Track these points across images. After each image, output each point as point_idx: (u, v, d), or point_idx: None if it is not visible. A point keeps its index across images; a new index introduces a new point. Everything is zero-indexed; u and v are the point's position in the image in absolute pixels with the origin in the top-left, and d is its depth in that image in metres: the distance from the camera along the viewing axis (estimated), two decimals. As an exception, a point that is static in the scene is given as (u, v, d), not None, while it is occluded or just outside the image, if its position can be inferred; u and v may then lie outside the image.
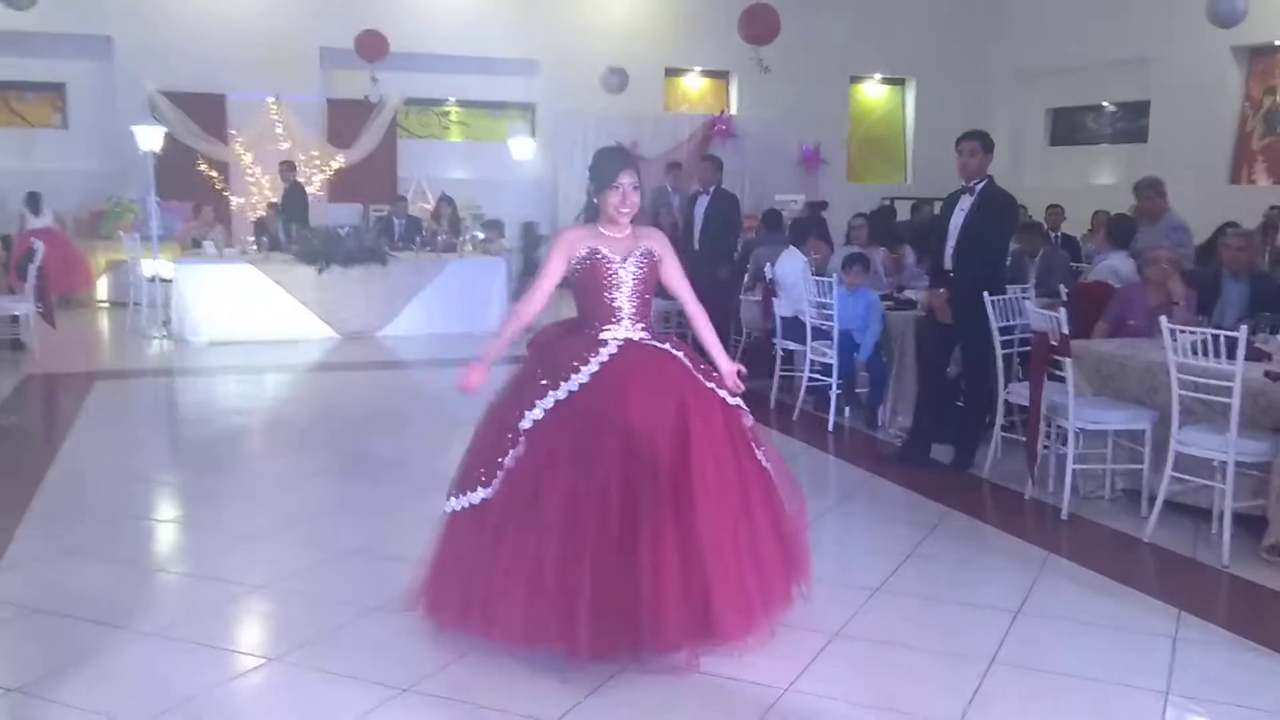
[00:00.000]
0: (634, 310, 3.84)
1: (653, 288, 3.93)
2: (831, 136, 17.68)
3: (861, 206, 13.76)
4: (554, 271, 3.87)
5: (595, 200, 3.91)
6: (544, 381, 3.67)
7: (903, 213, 16.40)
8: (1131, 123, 16.77)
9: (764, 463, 3.84)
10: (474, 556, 3.59)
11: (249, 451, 7.10)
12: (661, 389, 3.64)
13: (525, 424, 3.60)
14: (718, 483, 3.57)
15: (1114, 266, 7.29)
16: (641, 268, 3.85)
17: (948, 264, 6.24)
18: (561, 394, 3.62)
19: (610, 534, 3.42)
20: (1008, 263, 7.21)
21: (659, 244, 3.96)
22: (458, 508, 3.69)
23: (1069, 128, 17.95)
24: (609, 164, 3.87)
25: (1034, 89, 17.86)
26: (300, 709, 3.40)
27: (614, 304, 3.83)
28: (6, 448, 6.88)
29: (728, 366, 3.94)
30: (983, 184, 6.12)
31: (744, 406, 3.88)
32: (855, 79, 18.48)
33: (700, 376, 3.78)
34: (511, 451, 3.60)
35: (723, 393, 3.80)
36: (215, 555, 4.80)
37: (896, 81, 18.88)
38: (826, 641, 3.86)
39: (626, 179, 3.81)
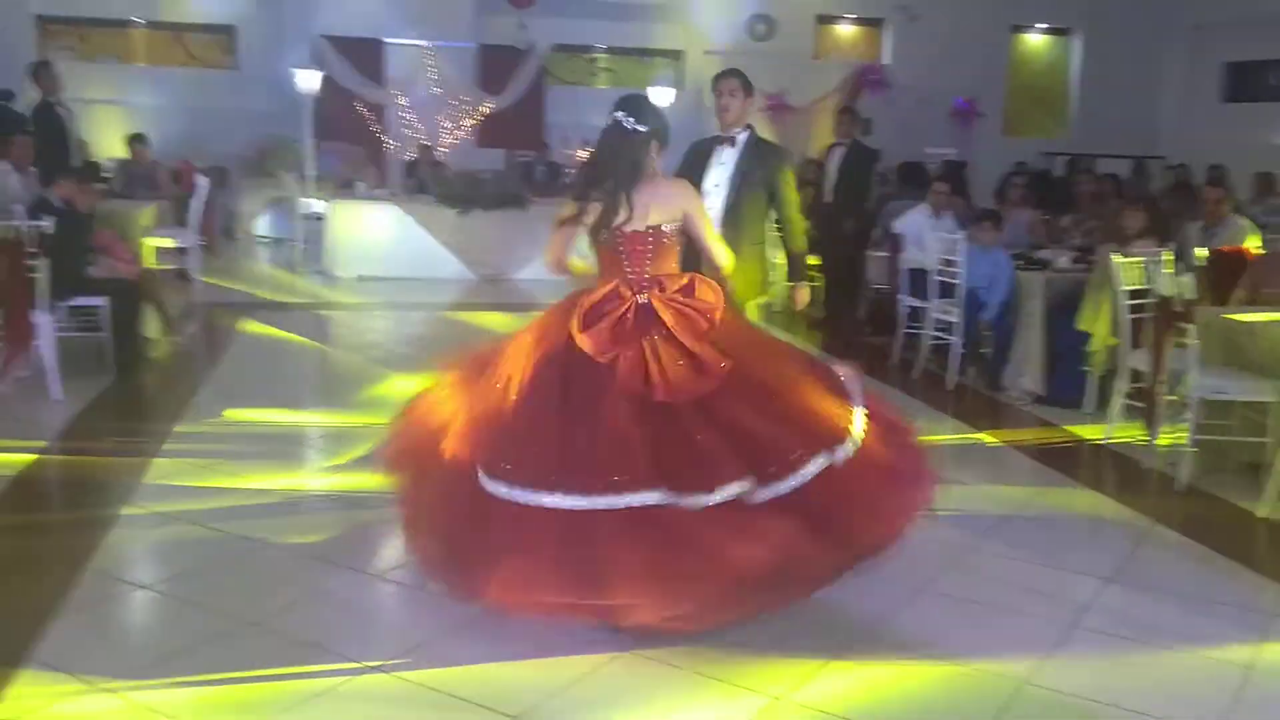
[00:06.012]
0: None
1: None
2: (989, 89, 17.09)
3: (1017, 162, 13.32)
4: None
5: None
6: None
7: (1060, 169, 15.80)
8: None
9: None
10: None
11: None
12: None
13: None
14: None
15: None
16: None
17: None
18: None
19: None
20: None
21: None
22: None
23: (1246, 83, 16.87)
24: None
25: (1210, 41, 16.84)
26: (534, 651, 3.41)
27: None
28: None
29: None
30: (745, 133, 5.11)
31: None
32: (1017, 28, 17.77)
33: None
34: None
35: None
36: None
37: (1061, 32, 18.08)
38: (914, 594, 3.92)
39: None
